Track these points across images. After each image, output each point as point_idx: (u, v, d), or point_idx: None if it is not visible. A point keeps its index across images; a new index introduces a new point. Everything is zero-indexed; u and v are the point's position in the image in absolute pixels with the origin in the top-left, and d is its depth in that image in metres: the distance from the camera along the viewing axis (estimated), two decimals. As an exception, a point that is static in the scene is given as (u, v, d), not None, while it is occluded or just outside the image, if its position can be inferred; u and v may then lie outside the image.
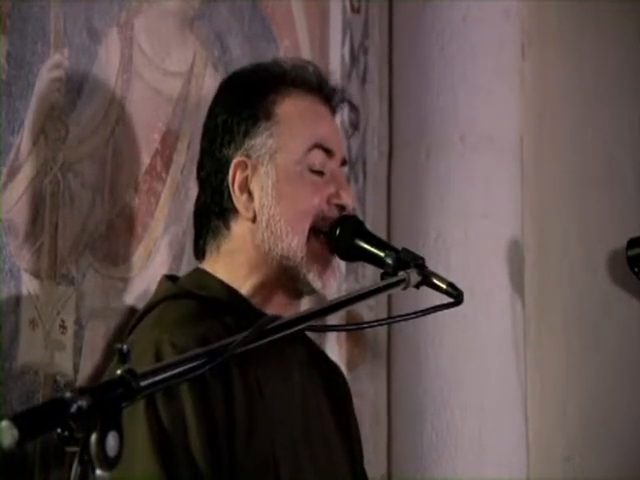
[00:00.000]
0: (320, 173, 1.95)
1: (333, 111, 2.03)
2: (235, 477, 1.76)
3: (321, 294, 1.97)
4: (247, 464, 1.78)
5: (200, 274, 1.96)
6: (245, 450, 1.78)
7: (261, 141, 1.93)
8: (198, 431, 1.73)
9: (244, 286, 1.93)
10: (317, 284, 1.92)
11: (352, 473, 2.03)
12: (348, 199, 1.95)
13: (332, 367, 2.13)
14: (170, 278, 2.00)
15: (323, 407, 2.00)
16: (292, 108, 1.96)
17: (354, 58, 3.05)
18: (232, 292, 1.92)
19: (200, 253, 1.99)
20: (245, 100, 1.96)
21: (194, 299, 1.90)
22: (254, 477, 1.79)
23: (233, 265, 1.94)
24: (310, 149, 1.94)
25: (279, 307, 1.92)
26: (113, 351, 1.21)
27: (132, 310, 2.17)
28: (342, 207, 1.95)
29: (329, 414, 2.01)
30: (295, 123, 1.95)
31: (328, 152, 1.96)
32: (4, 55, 1.91)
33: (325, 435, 1.98)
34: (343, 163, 2.01)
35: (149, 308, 1.92)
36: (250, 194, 1.92)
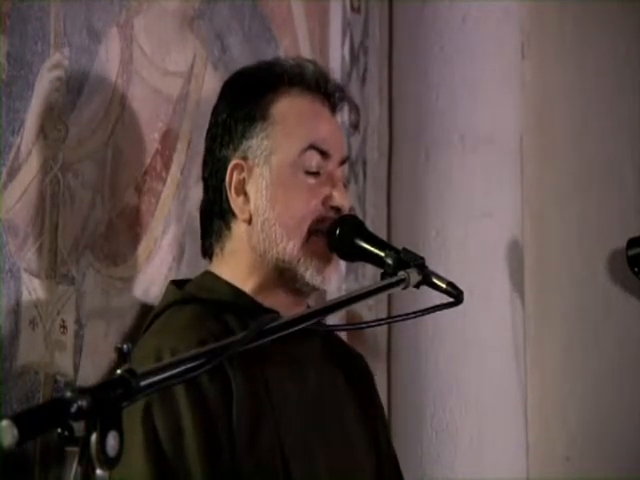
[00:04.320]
0: (316, 174, 1.93)
1: (333, 110, 2.01)
2: (238, 478, 1.76)
3: (322, 290, 1.96)
4: (250, 465, 1.77)
5: (207, 277, 1.96)
6: (247, 451, 1.77)
7: (257, 142, 1.93)
8: (195, 438, 1.72)
9: (246, 286, 1.93)
10: (316, 280, 1.91)
11: (377, 463, 2.01)
12: (343, 200, 1.93)
13: (352, 354, 2.11)
14: (178, 283, 2.00)
15: (344, 400, 1.99)
16: (288, 108, 1.95)
17: (354, 58, 3.05)
18: (238, 292, 1.92)
19: (208, 254, 1.99)
20: (244, 100, 1.95)
21: (199, 303, 1.90)
22: (259, 477, 1.78)
23: (235, 266, 1.94)
24: (304, 150, 1.92)
25: (284, 307, 1.90)
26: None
27: (132, 310, 2.17)
28: (337, 208, 1.93)
29: (351, 406, 2.00)
30: (290, 123, 1.94)
31: (324, 154, 1.94)
32: (4, 55, 1.91)
33: (345, 430, 1.96)
34: (343, 162, 1.99)
35: (156, 315, 1.93)
36: (246, 196, 1.92)
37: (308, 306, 1.99)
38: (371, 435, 2.03)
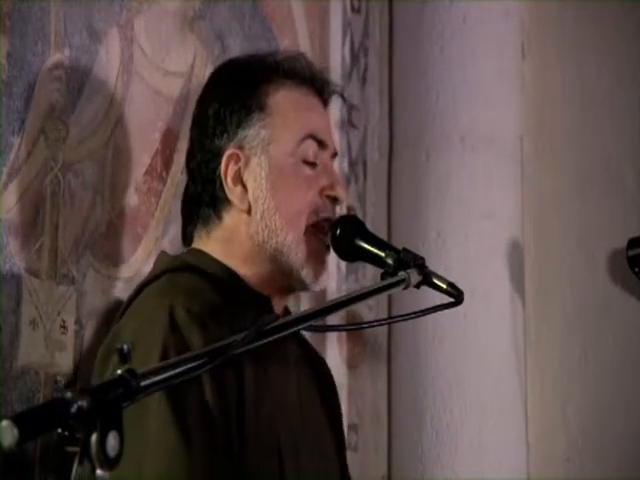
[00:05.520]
0: (313, 165, 1.95)
1: (325, 103, 2.04)
2: (241, 465, 1.76)
3: (314, 290, 1.97)
4: (253, 457, 1.78)
5: (197, 253, 1.95)
6: (252, 442, 1.77)
7: (254, 132, 1.93)
8: (214, 400, 1.72)
9: (238, 273, 1.93)
10: (309, 279, 1.92)
11: (339, 467, 2.04)
12: (341, 191, 1.96)
13: (320, 362, 2.13)
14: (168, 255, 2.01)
15: (316, 403, 2.01)
16: (285, 99, 1.96)
17: (354, 58, 3.05)
18: (231, 272, 1.92)
19: (188, 239, 1.98)
20: (237, 90, 1.96)
21: (198, 274, 1.89)
22: (260, 469, 1.79)
23: (226, 253, 1.93)
24: (303, 140, 1.94)
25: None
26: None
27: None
28: (335, 199, 1.95)
29: (320, 409, 2.02)
30: (288, 115, 1.95)
31: (320, 143, 1.96)
32: (4, 55, 1.91)
33: (319, 430, 1.99)
34: (334, 156, 2.02)
35: (150, 280, 1.91)
36: (244, 186, 1.92)
37: (286, 308, 2.00)
38: (336, 439, 2.05)
